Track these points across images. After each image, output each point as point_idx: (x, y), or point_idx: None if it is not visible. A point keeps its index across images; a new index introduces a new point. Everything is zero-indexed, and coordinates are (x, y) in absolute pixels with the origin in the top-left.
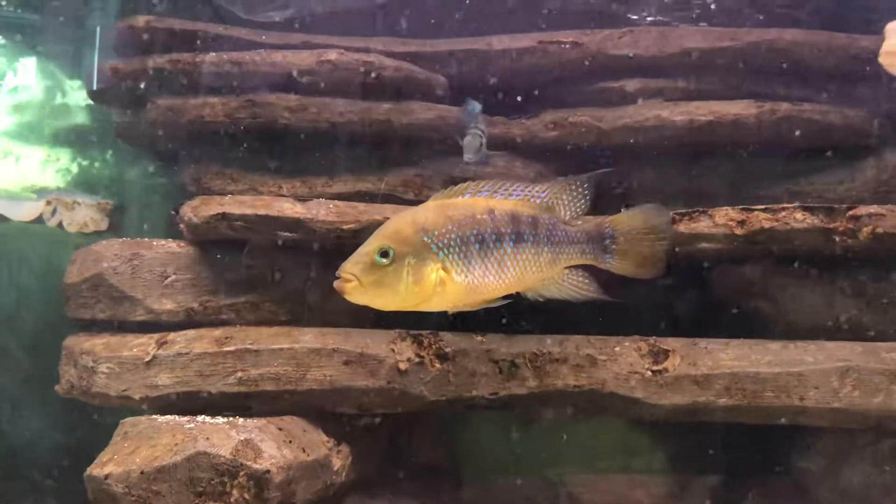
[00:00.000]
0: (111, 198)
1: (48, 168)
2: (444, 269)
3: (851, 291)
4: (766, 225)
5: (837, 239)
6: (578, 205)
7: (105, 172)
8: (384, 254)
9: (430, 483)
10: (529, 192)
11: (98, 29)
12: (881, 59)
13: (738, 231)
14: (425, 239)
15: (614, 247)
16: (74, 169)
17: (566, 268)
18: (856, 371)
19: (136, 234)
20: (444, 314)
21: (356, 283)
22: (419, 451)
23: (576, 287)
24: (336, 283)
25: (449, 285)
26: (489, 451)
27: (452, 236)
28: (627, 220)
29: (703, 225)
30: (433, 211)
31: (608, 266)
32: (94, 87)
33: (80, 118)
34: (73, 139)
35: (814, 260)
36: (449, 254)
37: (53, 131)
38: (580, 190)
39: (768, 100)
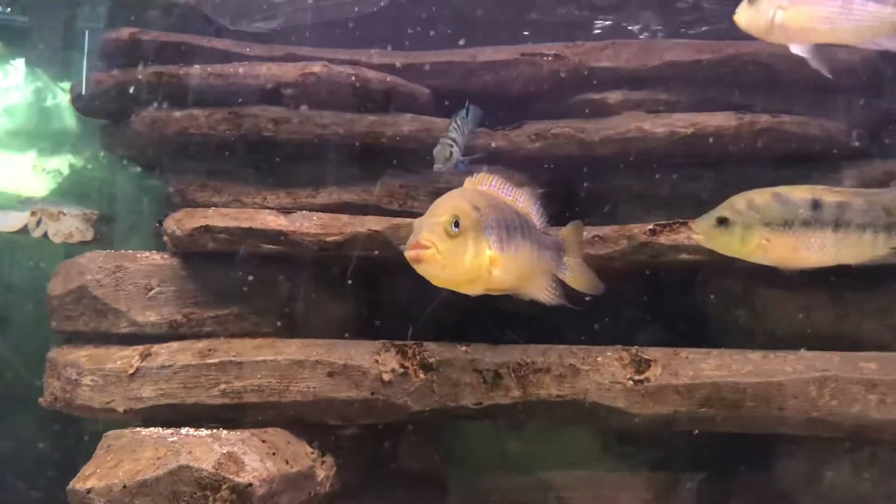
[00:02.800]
0: (98, 208)
1: (34, 177)
2: (490, 248)
3: (830, 301)
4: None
5: None
6: (539, 215)
7: (92, 182)
8: (456, 223)
9: (417, 490)
10: (512, 194)
11: (84, 39)
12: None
13: None
14: (478, 217)
15: (565, 259)
16: (61, 178)
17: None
18: (834, 380)
19: (123, 245)
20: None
21: (434, 250)
22: (405, 458)
23: (550, 291)
24: (412, 253)
25: (493, 265)
26: (476, 457)
27: (493, 218)
28: (569, 234)
29: (682, 236)
30: (476, 193)
31: (563, 277)
32: (79, 98)
33: (68, 127)
34: (60, 148)
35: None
36: (492, 234)
37: (40, 140)
38: (537, 202)
39: (749, 112)
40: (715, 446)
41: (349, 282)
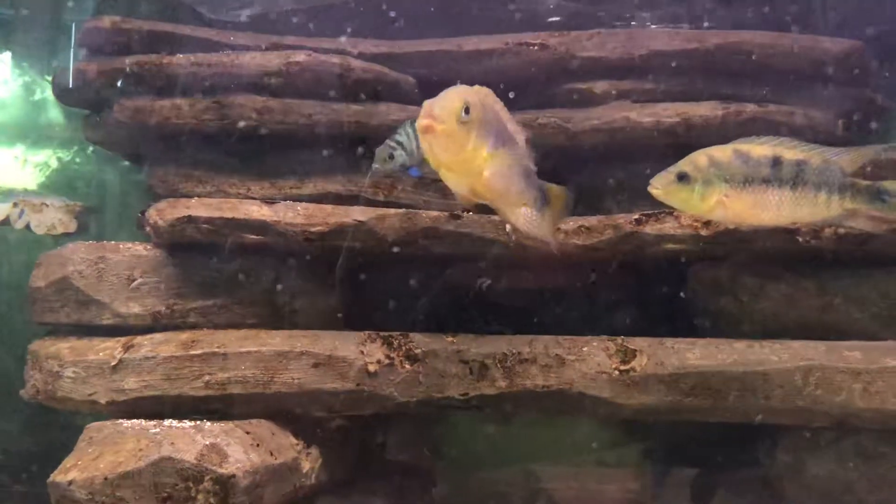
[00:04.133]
0: (87, 200)
1: (22, 170)
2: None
3: (815, 291)
4: (731, 226)
5: (801, 239)
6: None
7: (81, 175)
8: (467, 110)
9: (404, 482)
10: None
11: (68, 27)
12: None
13: (704, 232)
14: (484, 116)
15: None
16: (49, 171)
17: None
18: (819, 370)
19: (114, 237)
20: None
21: (445, 126)
22: (393, 450)
23: (528, 222)
24: (424, 121)
25: (487, 165)
26: (464, 448)
27: (494, 124)
28: (554, 191)
29: (668, 226)
30: (487, 94)
31: None
32: (60, 88)
33: (56, 120)
34: (49, 141)
35: (779, 260)
36: (491, 136)
37: (28, 133)
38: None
39: (735, 101)
40: (703, 437)
41: (335, 272)
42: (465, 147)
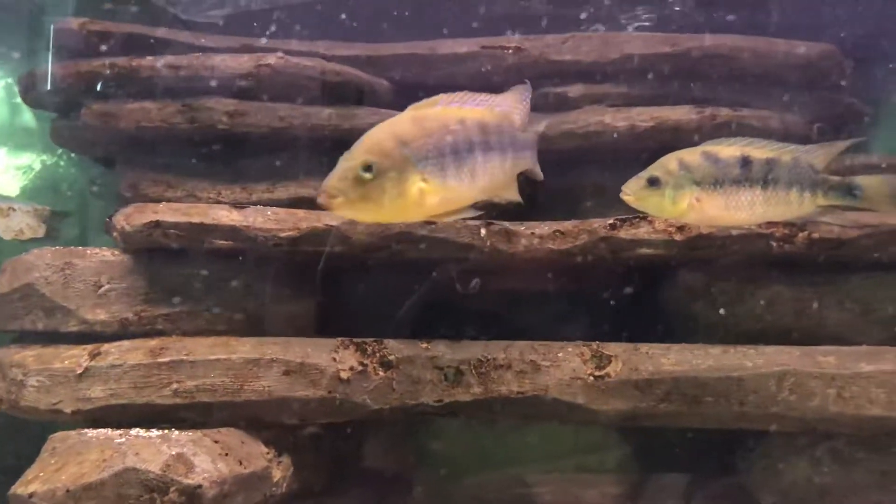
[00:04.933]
0: (66, 202)
1: (3, 174)
2: (424, 180)
3: (791, 296)
4: (705, 231)
5: (775, 244)
6: (525, 113)
7: (63, 179)
8: (368, 168)
9: (380, 489)
10: (492, 102)
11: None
12: None
13: (678, 237)
14: (405, 152)
15: None
16: (30, 172)
17: None
18: (793, 375)
19: (96, 243)
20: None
21: (342, 198)
22: (369, 456)
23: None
24: (321, 199)
25: (429, 196)
26: (441, 454)
27: (430, 148)
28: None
29: (643, 231)
30: (410, 123)
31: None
32: (28, 91)
33: (38, 124)
34: (31, 146)
35: (755, 265)
36: (427, 165)
37: (10, 137)
38: (525, 98)
39: (709, 105)
40: (682, 443)
41: (309, 278)
42: (382, 200)
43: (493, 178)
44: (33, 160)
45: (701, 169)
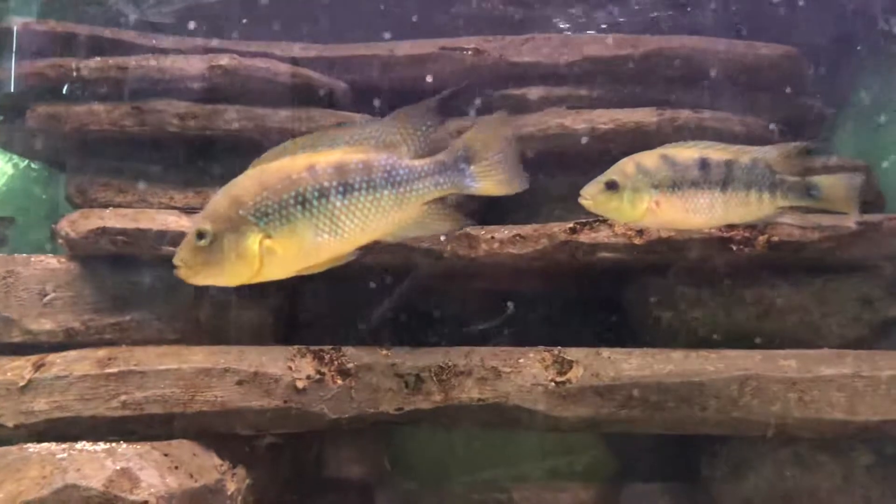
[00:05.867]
0: (40, 205)
1: None
2: (269, 237)
3: (752, 299)
4: (665, 235)
5: (735, 248)
6: (422, 139)
7: (36, 180)
8: (200, 235)
9: (345, 499)
10: (360, 135)
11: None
12: None
13: (637, 241)
14: (241, 212)
15: (472, 168)
16: (3, 176)
17: (427, 204)
18: (755, 379)
19: (31, 249)
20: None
21: (185, 268)
22: (329, 466)
23: (439, 221)
24: (175, 271)
25: (279, 252)
26: (407, 461)
27: (269, 202)
28: (476, 136)
29: (603, 234)
30: (247, 180)
31: (472, 190)
32: None
33: None
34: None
35: (716, 268)
36: (270, 220)
37: None
38: (425, 120)
39: (670, 107)
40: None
41: (263, 284)
42: (222, 264)
43: (365, 220)
44: (6, 162)
45: (659, 172)
